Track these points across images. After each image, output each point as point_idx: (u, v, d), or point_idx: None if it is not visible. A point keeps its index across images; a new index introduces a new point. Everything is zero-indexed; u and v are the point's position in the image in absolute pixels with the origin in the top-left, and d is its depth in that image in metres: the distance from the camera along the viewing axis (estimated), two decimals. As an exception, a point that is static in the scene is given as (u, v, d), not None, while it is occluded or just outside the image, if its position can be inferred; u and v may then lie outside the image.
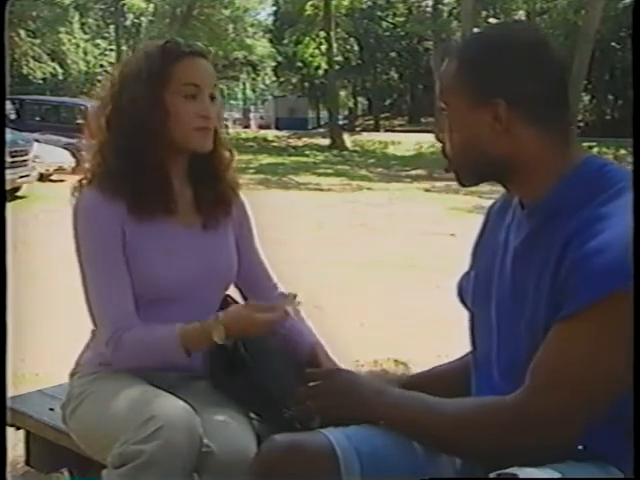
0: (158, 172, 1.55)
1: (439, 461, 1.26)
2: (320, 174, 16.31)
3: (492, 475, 1.04)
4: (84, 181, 1.58)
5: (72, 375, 1.64)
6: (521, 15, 30.55)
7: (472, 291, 1.32)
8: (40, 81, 32.00)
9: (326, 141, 26.11)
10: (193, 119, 1.53)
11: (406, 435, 1.21)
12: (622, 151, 18.19)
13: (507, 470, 1.05)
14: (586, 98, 32.23)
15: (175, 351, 1.48)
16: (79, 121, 16.66)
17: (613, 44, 29.78)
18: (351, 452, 1.20)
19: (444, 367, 1.49)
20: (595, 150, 21.00)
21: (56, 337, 3.61)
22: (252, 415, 1.59)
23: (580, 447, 1.10)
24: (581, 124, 26.06)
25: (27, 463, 1.88)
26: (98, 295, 1.53)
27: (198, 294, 1.58)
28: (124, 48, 37.05)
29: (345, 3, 30.03)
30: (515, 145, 1.16)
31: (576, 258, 1.06)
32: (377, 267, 6.10)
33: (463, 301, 1.37)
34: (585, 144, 22.15)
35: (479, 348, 1.30)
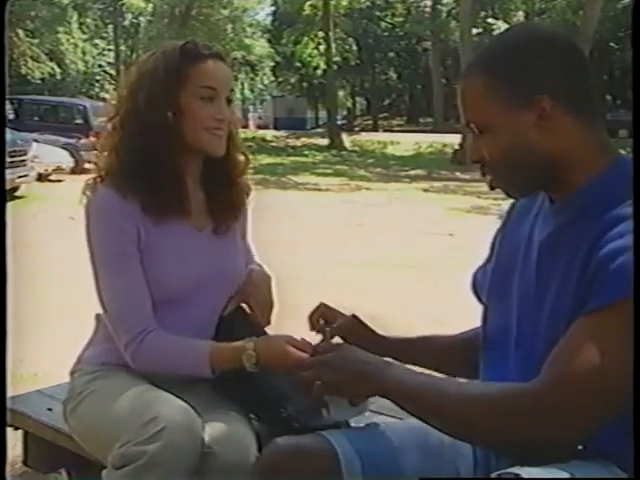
0: (172, 172, 1.54)
1: (440, 461, 1.26)
2: (319, 174, 16.32)
3: (493, 475, 1.04)
4: (98, 179, 1.56)
5: (73, 373, 1.63)
6: (520, 15, 30.59)
7: (489, 283, 1.30)
8: (38, 81, 31.95)
9: (325, 141, 26.12)
10: (207, 121, 1.52)
11: (413, 413, 1.15)
12: (621, 151, 18.20)
13: (509, 470, 1.05)
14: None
15: (202, 367, 1.46)
16: (78, 121, 16.73)
17: (611, 44, 29.83)
18: (352, 454, 1.20)
19: (449, 340, 1.46)
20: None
21: (55, 337, 3.61)
22: (252, 416, 1.59)
23: (580, 447, 1.11)
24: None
25: (25, 463, 1.88)
26: (115, 296, 1.51)
27: (204, 297, 1.57)
28: (122, 48, 37.07)
29: (344, 3, 30.05)
30: (561, 140, 1.15)
31: (606, 255, 1.05)
32: (376, 267, 6.10)
33: (477, 293, 1.35)
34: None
35: (492, 338, 1.29)
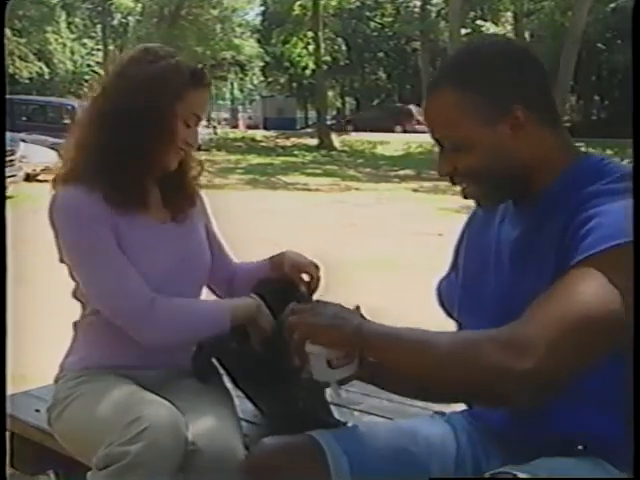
0: (136, 169, 1.56)
1: (428, 461, 1.26)
2: (308, 174, 16.31)
3: (487, 475, 1.04)
4: (59, 179, 1.58)
5: (57, 380, 1.64)
6: (508, 16, 30.69)
7: (459, 300, 1.31)
8: (26, 81, 31.77)
9: (314, 141, 26.12)
10: (182, 142, 1.57)
11: (391, 362, 1.09)
12: (608, 151, 18.30)
13: (504, 469, 1.05)
14: (573, 99, 32.43)
15: (221, 323, 1.50)
16: (66, 121, 16.65)
17: (599, 45, 29.97)
18: (340, 453, 1.20)
19: None
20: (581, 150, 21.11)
21: (43, 338, 3.59)
22: (242, 416, 1.59)
23: (580, 447, 1.11)
24: (568, 124, 26.18)
25: (12, 465, 1.87)
26: (108, 281, 1.51)
27: (178, 288, 1.58)
28: (111, 48, 36.89)
29: (333, 3, 30.06)
30: (533, 148, 1.16)
31: (578, 224, 1.06)
32: (365, 267, 6.11)
33: (443, 305, 1.36)
34: (572, 144, 22.25)
35: None
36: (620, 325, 0.99)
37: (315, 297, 1.68)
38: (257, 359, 1.52)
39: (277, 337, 1.53)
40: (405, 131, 29.16)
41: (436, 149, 1.24)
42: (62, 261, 1.58)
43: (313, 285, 1.68)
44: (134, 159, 1.55)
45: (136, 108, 1.51)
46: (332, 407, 1.60)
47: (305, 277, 1.69)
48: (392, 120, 30.66)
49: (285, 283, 1.67)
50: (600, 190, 1.09)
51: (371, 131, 26.96)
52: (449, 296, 1.34)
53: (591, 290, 1.00)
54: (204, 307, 1.59)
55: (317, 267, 1.71)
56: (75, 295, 1.62)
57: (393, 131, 29.13)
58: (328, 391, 1.32)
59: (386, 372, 1.22)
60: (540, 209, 1.18)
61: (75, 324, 1.67)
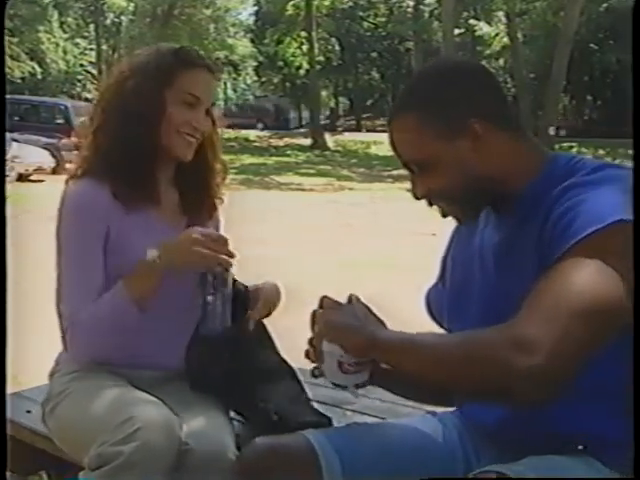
0: (145, 161, 1.56)
1: (421, 460, 1.26)
2: (302, 174, 16.32)
3: (470, 475, 1.04)
4: (78, 171, 1.58)
5: (52, 375, 1.63)
6: (501, 16, 30.76)
7: (447, 310, 1.31)
8: (18, 80, 31.65)
9: (308, 141, 26.12)
10: (183, 126, 1.55)
11: (414, 374, 1.10)
12: (600, 151, 18.38)
13: (492, 468, 1.05)
14: (565, 99, 32.53)
15: (125, 305, 1.46)
16: (59, 121, 16.59)
17: (592, 45, 30.07)
18: (332, 453, 1.20)
19: None
20: (574, 150, 21.19)
21: (34, 339, 3.58)
22: (234, 415, 1.59)
23: (580, 447, 1.11)
24: (560, 124, 26.29)
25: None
26: (64, 285, 1.53)
27: (171, 295, 1.57)
28: (104, 47, 36.86)
29: (326, 3, 30.08)
30: (498, 157, 1.18)
31: (560, 213, 1.07)
32: (359, 267, 6.11)
33: (432, 315, 1.37)
34: (564, 144, 22.36)
35: None
36: (620, 307, 0.99)
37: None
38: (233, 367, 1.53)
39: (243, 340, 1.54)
40: (266, 127, 32.77)
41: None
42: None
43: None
44: (139, 151, 1.54)
45: (128, 99, 1.53)
46: (326, 407, 1.61)
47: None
48: (254, 118, 33.40)
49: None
50: (574, 183, 1.11)
51: (238, 128, 26.83)
52: (437, 306, 1.36)
53: (584, 279, 0.99)
54: (108, 301, 1.49)
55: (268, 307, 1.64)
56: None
57: (255, 128, 32.05)
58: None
59: (398, 377, 1.23)
60: (518, 212, 1.19)
61: None
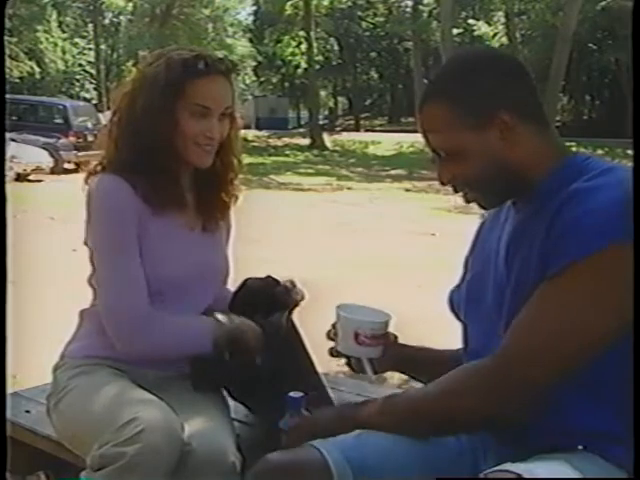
0: (170, 169, 1.56)
1: (427, 461, 1.26)
2: (301, 174, 16.31)
3: (481, 475, 1.04)
4: (99, 167, 1.58)
5: (56, 369, 1.63)
6: (500, 16, 30.77)
7: (465, 300, 1.33)
8: (17, 80, 31.61)
9: (306, 141, 26.11)
10: (197, 137, 1.54)
11: (402, 433, 1.22)
12: (599, 151, 18.38)
13: (504, 467, 1.05)
14: (564, 99, 32.55)
15: (206, 341, 1.50)
16: (57, 121, 16.57)
17: (590, 45, 30.09)
18: (343, 463, 1.20)
19: (450, 354, 1.47)
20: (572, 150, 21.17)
21: (34, 339, 3.57)
22: (235, 417, 1.59)
23: (580, 447, 1.11)
24: (559, 124, 26.30)
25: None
26: (114, 281, 1.51)
27: (191, 294, 1.59)
28: (103, 47, 36.85)
29: (325, 3, 30.08)
30: (523, 148, 1.20)
31: (565, 221, 1.09)
32: (358, 266, 6.11)
33: (455, 312, 1.38)
34: (563, 144, 22.33)
35: (475, 349, 1.29)
36: (605, 330, 1.05)
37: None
38: (251, 370, 1.53)
39: (273, 338, 1.53)
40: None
41: (428, 149, 1.27)
42: (86, 244, 1.56)
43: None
44: (162, 160, 1.53)
45: (141, 115, 1.52)
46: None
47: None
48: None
49: (264, 282, 1.66)
50: (579, 189, 1.12)
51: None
52: (458, 301, 1.37)
53: (574, 304, 1.06)
54: (190, 326, 1.56)
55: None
56: (90, 281, 1.61)
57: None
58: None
59: (418, 362, 1.38)
60: (531, 206, 1.21)
61: (81, 312, 1.66)
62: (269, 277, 1.67)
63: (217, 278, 1.69)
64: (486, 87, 1.20)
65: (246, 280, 1.68)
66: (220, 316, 1.54)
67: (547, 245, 1.11)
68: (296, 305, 1.64)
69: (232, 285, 1.74)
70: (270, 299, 1.62)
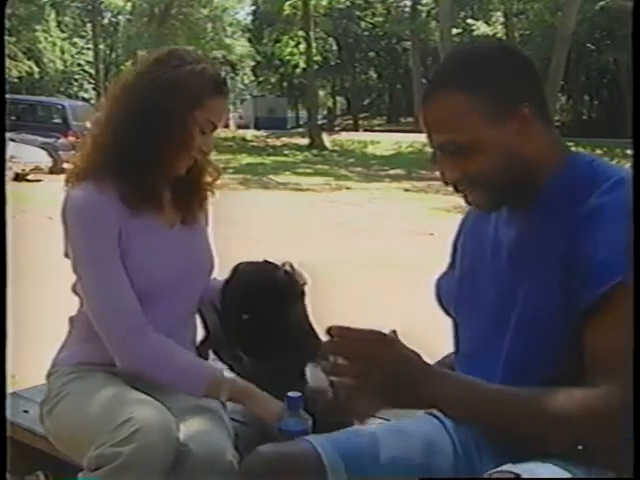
0: (153, 174, 1.55)
1: (423, 461, 1.26)
2: (300, 174, 16.30)
3: (486, 475, 1.03)
4: (73, 178, 1.56)
5: (49, 375, 1.63)
6: (499, 16, 30.78)
7: (457, 295, 1.31)
8: (15, 80, 31.58)
9: (305, 141, 26.10)
10: (194, 150, 1.55)
11: (479, 425, 1.11)
12: (598, 151, 18.37)
13: (504, 468, 1.04)
14: (563, 98, 32.55)
15: (199, 388, 1.49)
16: (56, 120, 16.55)
17: (589, 45, 30.10)
18: (337, 458, 1.19)
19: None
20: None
21: (32, 339, 3.57)
22: (232, 417, 1.59)
23: (580, 447, 1.11)
24: (558, 124, 26.30)
25: (1, 466, 1.85)
26: (105, 293, 1.50)
27: (180, 290, 1.59)
28: (102, 47, 36.80)
29: (324, 3, 30.10)
30: (536, 145, 1.16)
31: (590, 246, 1.07)
32: (357, 266, 6.11)
33: (441, 304, 1.35)
34: (562, 144, 22.32)
35: (468, 350, 1.28)
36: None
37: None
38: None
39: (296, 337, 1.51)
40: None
41: (427, 148, 1.23)
42: (67, 256, 1.56)
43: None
44: (150, 161, 1.53)
45: (156, 111, 1.49)
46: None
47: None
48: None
49: (259, 266, 1.62)
50: (602, 205, 1.09)
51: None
52: (447, 294, 1.34)
53: (619, 327, 1.04)
54: (187, 364, 1.53)
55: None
56: (74, 289, 1.60)
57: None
58: None
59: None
60: (535, 206, 1.18)
61: (71, 318, 1.65)
62: (265, 261, 1.63)
63: (203, 271, 1.68)
64: (508, 78, 1.15)
65: (237, 265, 1.64)
66: (226, 373, 1.53)
67: (571, 271, 1.08)
68: (303, 292, 1.61)
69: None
70: (270, 285, 1.56)
